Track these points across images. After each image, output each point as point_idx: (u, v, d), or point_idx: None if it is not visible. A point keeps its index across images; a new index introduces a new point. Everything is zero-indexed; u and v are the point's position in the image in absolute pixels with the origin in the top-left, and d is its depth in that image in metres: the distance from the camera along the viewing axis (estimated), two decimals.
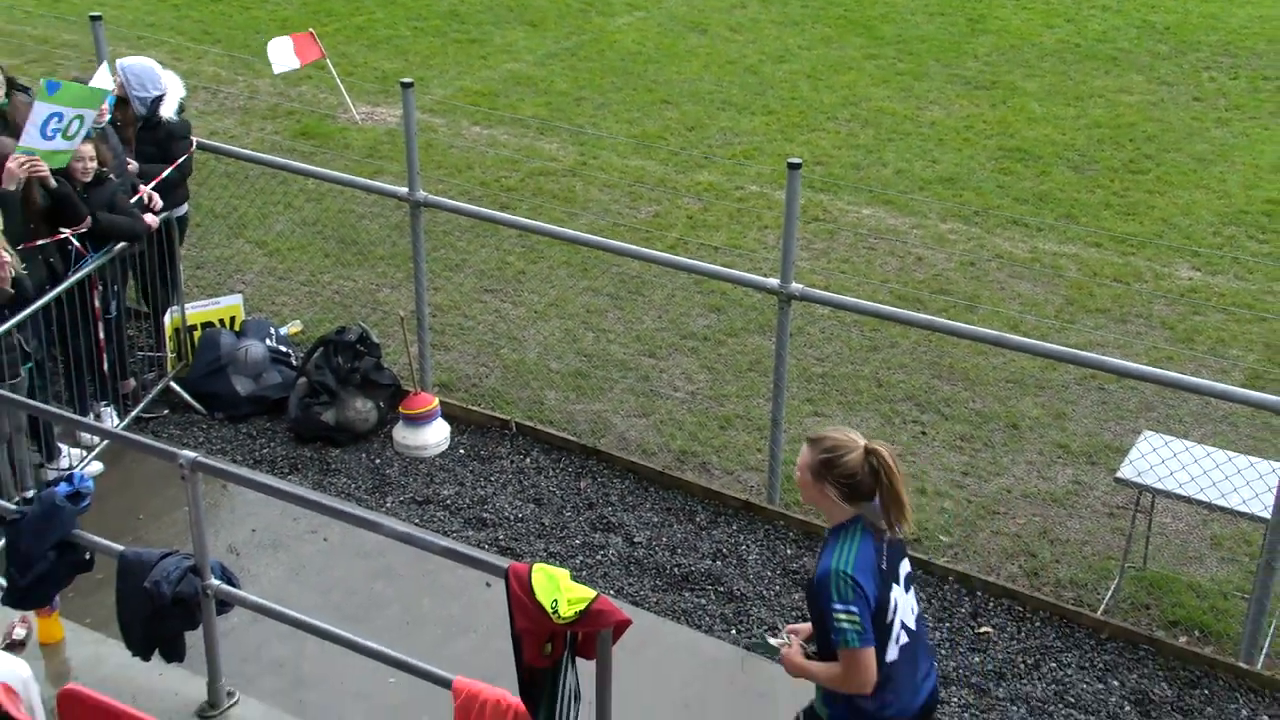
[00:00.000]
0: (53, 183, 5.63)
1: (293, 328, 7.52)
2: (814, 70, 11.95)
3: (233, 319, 7.15)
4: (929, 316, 5.98)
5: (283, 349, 7.03)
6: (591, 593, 3.25)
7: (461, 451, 6.55)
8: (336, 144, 10.10)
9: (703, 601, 5.51)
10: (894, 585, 3.36)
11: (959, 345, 7.32)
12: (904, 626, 3.39)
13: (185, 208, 7.01)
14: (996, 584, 5.59)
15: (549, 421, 6.73)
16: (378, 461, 6.45)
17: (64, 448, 6.01)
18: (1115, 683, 5.13)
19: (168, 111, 6.61)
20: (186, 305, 6.96)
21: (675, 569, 5.70)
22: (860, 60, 12.26)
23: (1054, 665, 5.22)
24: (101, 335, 6.10)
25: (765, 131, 10.57)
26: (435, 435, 6.51)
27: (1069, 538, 5.94)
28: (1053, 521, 6.04)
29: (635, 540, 5.88)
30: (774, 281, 5.75)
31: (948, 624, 5.39)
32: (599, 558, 5.77)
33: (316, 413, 6.55)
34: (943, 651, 5.25)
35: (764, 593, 5.56)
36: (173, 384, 6.78)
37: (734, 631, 5.36)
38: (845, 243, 8.72)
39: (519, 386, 7.05)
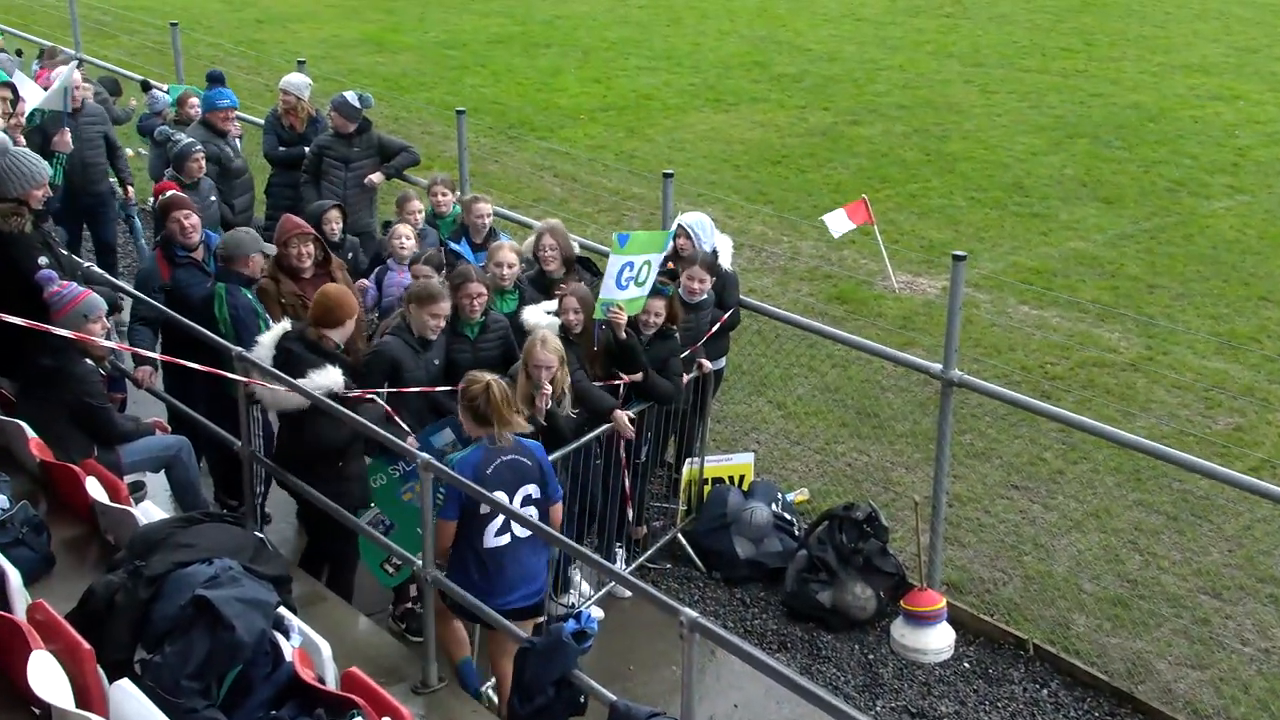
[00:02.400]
0: (622, 335, 6.28)
1: (799, 495, 7.67)
2: None
3: (742, 478, 7.45)
4: None
5: (787, 516, 7.18)
6: None
7: (966, 665, 6.14)
8: (870, 311, 10.37)
9: None
10: (499, 491, 4.84)
11: None
12: (505, 530, 4.88)
13: (723, 361, 7.52)
14: None
15: (1075, 651, 6.12)
16: (871, 657, 6.26)
17: (578, 579, 6.57)
18: None
19: (725, 262, 7.22)
20: (705, 458, 7.39)
21: None
22: None
23: None
24: (628, 481, 6.61)
25: None
26: (939, 640, 6.19)
27: None
28: None
29: None
30: None
31: None
32: None
33: (813, 590, 6.55)
34: None
35: None
36: (680, 536, 7.18)
37: None
38: None
39: (1042, 603, 6.54)
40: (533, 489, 5.04)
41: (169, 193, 7.18)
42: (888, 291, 10.75)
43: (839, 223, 10.36)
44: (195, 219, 6.78)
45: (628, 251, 6.16)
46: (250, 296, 6.37)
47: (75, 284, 5.65)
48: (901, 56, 19.62)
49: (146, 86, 10.97)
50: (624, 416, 6.08)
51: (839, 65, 19.14)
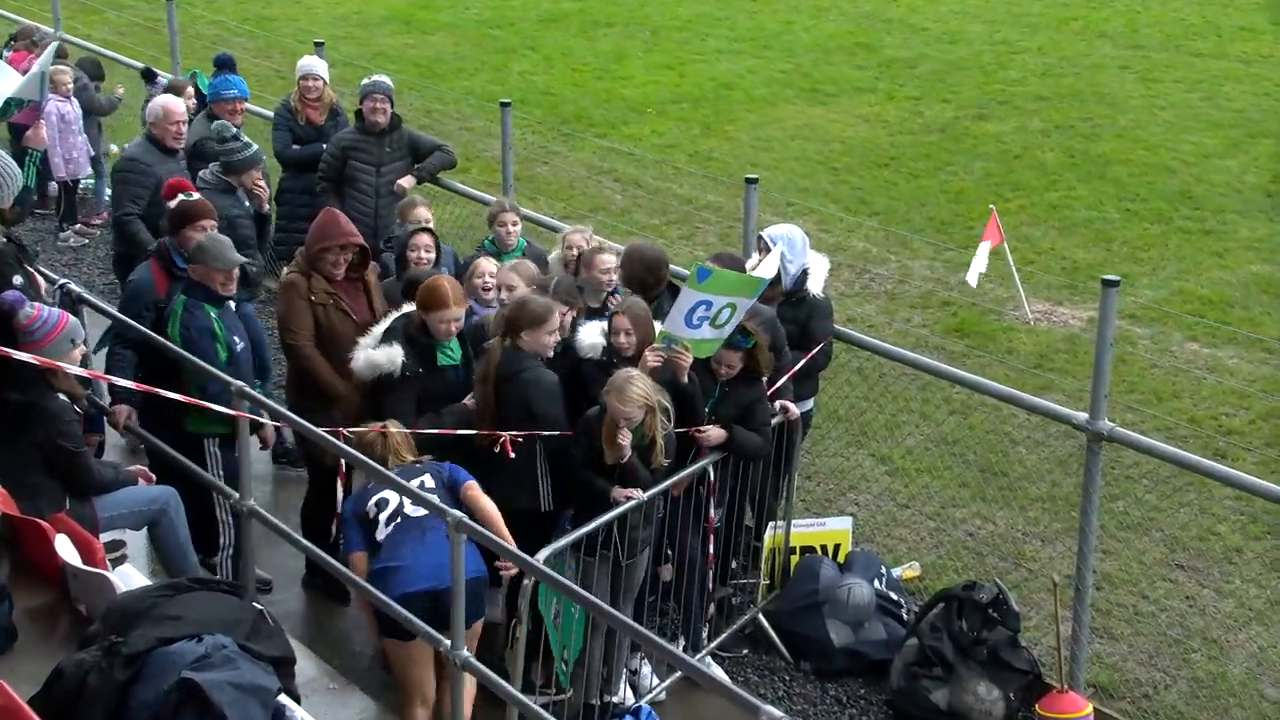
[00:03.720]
0: (684, 379, 6.30)
1: (909, 571, 7.61)
2: None
3: (837, 547, 7.42)
4: None
5: (893, 596, 7.13)
6: None
7: None
8: (998, 347, 10.29)
9: None
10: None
11: None
12: (394, 517, 5.59)
13: (811, 404, 7.51)
14: None
15: None
16: None
17: (637, 663, 6.56)
18: None
19: (815, 287, 7.22)
20: (792, 522, 7.36)
21: None
22: None
23: None
24: (711, 548, 6.61)
25: None
26: None
27: None
28: None
29: None
30: None
31: None
32: None
33: (925, 689, 6.49)
34: None
35: None
36: (761, 617, 7.15)
37: None
38: None
39: (1214, 711, 6.46)
40: (427, 478, 5.70)
41: (189, 195, 7.10)
42: (1020, 323, 10.67)
43: (979, 264, 10.03)
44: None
45: (707, 289, 6.09)
46: (213, 316, 6.42)
47: (52, 307, 5.81)
48: (1041, 37, 19.55)
49: (150, 76, 11.25)
50: (621, 495, 6.03)
51: (962, 48, 19.12)
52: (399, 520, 5.59)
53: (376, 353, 6.25)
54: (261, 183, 8.04)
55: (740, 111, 16.33)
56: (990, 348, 10.28)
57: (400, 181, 8.98)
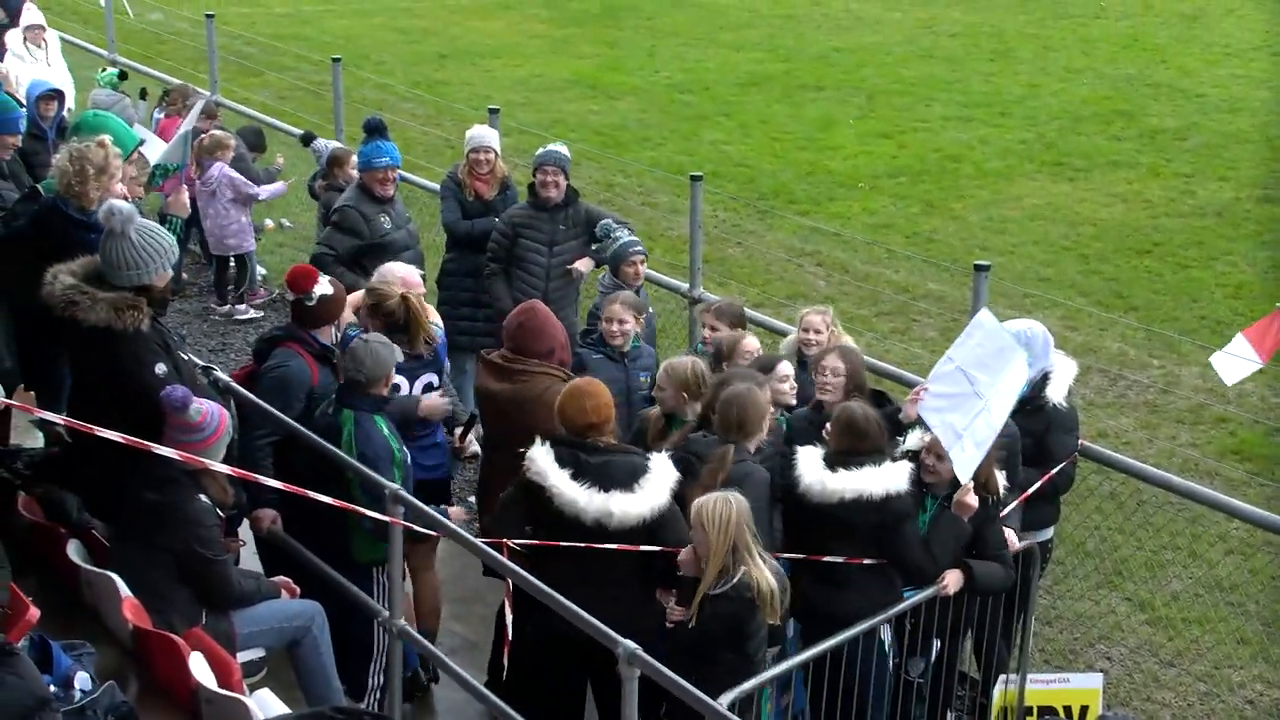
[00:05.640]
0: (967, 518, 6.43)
1: None
2: None
3: (1084, 710, 7.18)
4: None
5: None
6: None
7: None
8: None
9: None
10: (400, 376, 7.02)
11: None
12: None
13: (1050, 532, 7.35)
14: None
15: None
16: None
17: None
18: None
19: (1057, 394, 7.10)
20: (1028, 676, 7.17)
21: None
22: None
23: None
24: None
25: None
26: None
27: None
28: None
29: None
30: None
31: None
32: None
33: None
34: None
35: None
36: None
37: None
38: None
39: None
40: (432, 377, 7.16)
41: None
42: None
43: (1236, 363, 9.81)
44: None
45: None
46: (385, 430, 6.65)
47: (212, 402, 6.03)
48: None
49: (308, 140, 11.81)
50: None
51: (1245, 117, 18.71)
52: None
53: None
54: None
55: (969, 187, 16.27)
56: (1278, 475, 9.92)
57: (577, 264, 9.15)
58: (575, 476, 6.01)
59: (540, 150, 9.38)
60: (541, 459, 6.06)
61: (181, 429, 5.81)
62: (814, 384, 7.09)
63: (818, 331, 7.59)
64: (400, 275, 7.46)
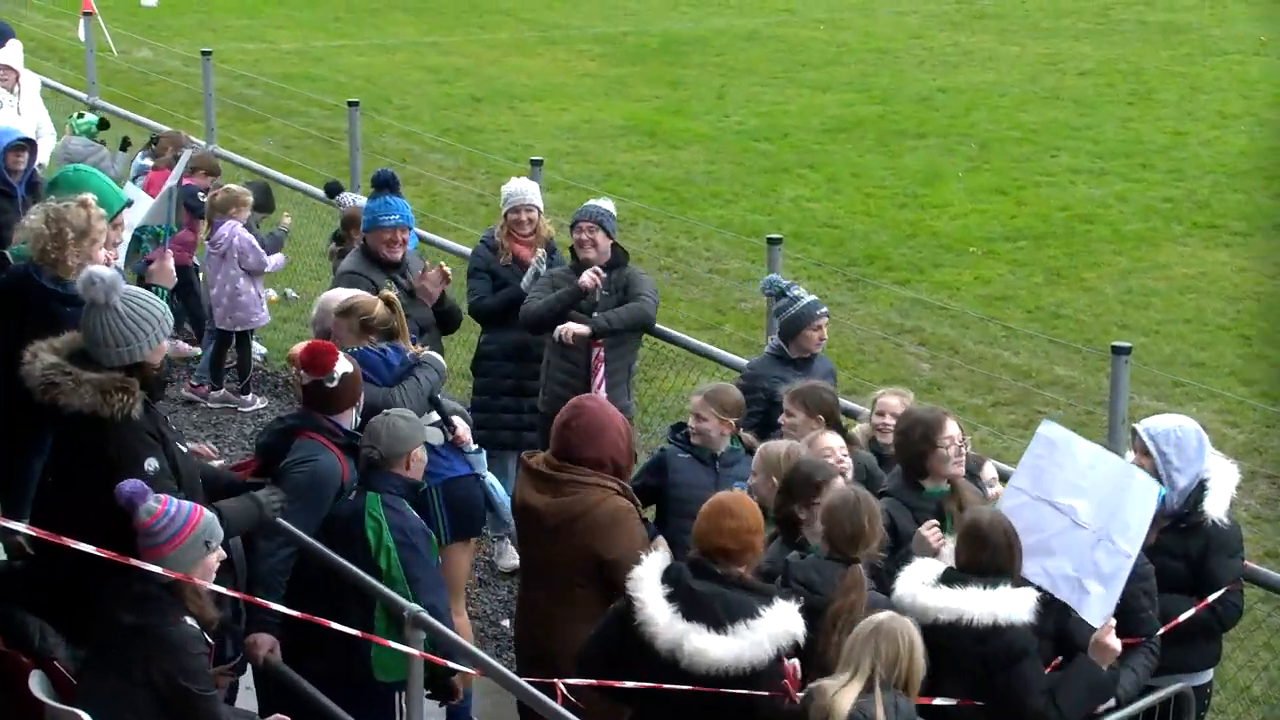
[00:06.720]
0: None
1: None
2: None
3: None
4: None
5: None
6: None
7: None
8: None
9: None
10: None
11: None
12: None
13: (1209, 674, 7.22)
14: None
15: None
16: None
17: None
18: None
19: (1215, 508, 6.98)
20: None
21: None
22: None
23: None
24: None
25: None
26: None
27: None
28: None
29: None
30: None
31: None
32: None
33: None
34: None
35: None
36: None
37: None
38: None
39: None
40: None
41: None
42: None
43: None
44: None
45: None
46: (409, 517, 6.77)
47: (182, 500, 5.99)
48: None
49: (334, 191, 11.86)
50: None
51: None
52: None
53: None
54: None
55: (1105, 253, 16.21)
56: None
57: (583, 280, 8.97)
58: (670, 598, 5.77)
59: (589, 207, 9.41)
60: (649, 563, 5.88)
61: (141, 533, 5.73)
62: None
63: (894, 416, 7.52)
64: (339, 300, 7.97)
